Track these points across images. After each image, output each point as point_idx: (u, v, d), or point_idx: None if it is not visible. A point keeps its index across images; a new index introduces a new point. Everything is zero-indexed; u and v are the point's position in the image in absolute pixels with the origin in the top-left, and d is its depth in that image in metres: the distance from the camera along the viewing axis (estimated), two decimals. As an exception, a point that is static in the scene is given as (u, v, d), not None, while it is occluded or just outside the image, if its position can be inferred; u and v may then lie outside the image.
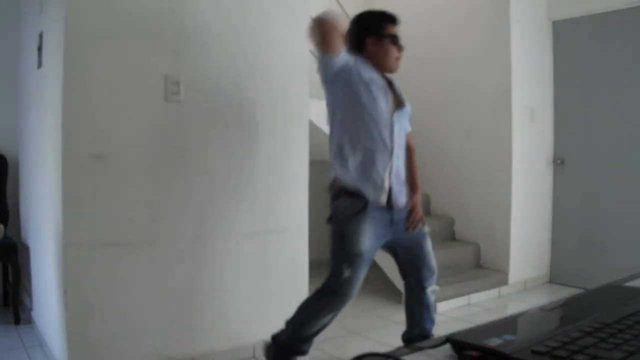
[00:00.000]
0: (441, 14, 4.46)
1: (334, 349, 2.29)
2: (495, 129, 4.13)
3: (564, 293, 2.61)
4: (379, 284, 4.00)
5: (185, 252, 2.53)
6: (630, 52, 3.87)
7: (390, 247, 2.29)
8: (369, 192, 2.08)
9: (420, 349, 0.71)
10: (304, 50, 2.89)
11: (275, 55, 2.78)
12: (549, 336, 0.66)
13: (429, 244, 2.29)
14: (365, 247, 2.08)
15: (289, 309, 2.81)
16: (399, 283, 3.70)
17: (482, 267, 4.23)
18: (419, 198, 2.30)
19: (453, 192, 4.40)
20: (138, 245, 2.40)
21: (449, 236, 4.38)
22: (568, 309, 0.85)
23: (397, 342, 2.32)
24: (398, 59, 2.21)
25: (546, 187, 4.34)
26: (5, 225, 3.30)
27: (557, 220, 4.35)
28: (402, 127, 2.20)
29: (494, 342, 0.65)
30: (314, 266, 2.98)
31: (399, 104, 2.20)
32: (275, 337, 2.25)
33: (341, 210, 2.12)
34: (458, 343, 0.68)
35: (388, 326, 3.25)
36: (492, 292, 3.97)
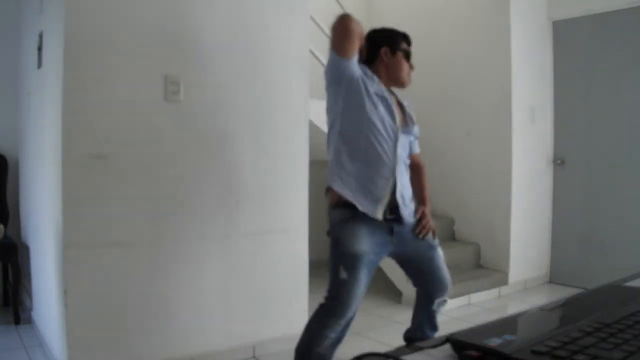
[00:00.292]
0: (441, 14, 4.46)
1: (334, 349, 2.31)
2: (495, 129, 4.13)
3: (564, 293, 2.61)
4: (378, 284, 4.00)
5: (185, 252, 2.53)
6: (630, 52, 3.87)
7: (398, 260, 2.24)
8: (365, 205, 2.01)
9: (421, 348, 0.71)
10: (304, 50, 2.90)
11: (275, 55, 2.78)
12: (549, 336, 0.66)
13: (439, 257, 2.20)
14: (361, 248, 2.00)
15: (289, 309, 2.83)
16: (399, 283, 3.71)
17: (482, 267, 4.23)
18: (428, 210, 2.24)
19: (453, 192, 4.40)
20: (138, 245, 2.40)
21: (449, 236, 4.38)
22: (568, 309, 0.85)
23: (397, 342, 2.32)
24: (409, 74, 2.20)
25: (546, 187, 4.34)
26: (5, 225, 3.30)
27: (557, 220, 4.35)
28: (406, 146, 2.14)
29: (494, 342, 0.65)
30: (314, 266, 2.98)
31: (406, 123, 2.16)
32: None
33: (335, 219, 2.07)
34: (458, 343, 0.68)
35: (388, 326, 3.25)
36: (492, 292, 3.97)
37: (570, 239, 4.26)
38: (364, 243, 2.01)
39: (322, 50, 2.82)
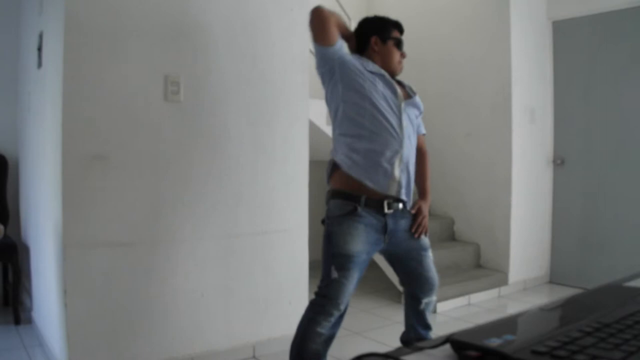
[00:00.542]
0: (441, 14, 4.46)
1: (334, 349, 2.29)
2: (495, 129, 4.13)
3: (564, 293, 2.62)
4: (379, 284, 4.01)
5: (185, 252, 2.53)
6: (630, 52, 3.88)
7: (387, 258, 2.24)
8: (376, 181, 2.00)
9: (420, 349, 0.71)
10: (304, 50, 2.90)
11: (275, 55, 2.78)
12: (549, 336, 0.66)
13: (428, 259, 2.19)
14: (353, 249, 1.99)
15: (289, 309, 2.82)
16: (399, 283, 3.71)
17: (482, 267, 4.23)
18: (427, 205, 2.23)
19: (453, 192, 4.40)
20: (138, 245, 2.40)
21: (449, 236, 4.38)
22: (568, 309, 0.85)
23: (397, 342, 2.32)
24: (400, 62, 2.21)
25: (546, 187, 4.34)
26: (5, 225, 3.30)
27: (557, 220, 4.35)
28: (413, 119, 2.13)
29: (494, 342, 0.65)
30: (314, 266, 2.98)
31: (407, 95, 2.16)
32: None
33: (332, 210, 2.06)
34: (458, 343, 0.68)
35: (388, 326, 3.25)
36: (492, 292, 3.97)
37: (570, 239, 4.26)
38: (358, 243, 2.01)
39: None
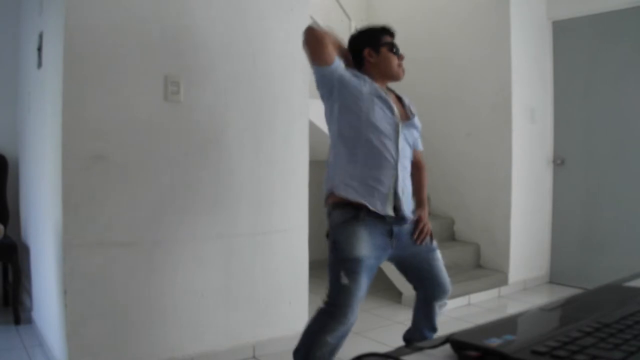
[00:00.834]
0: (441, 14, 4.46)
1: (334, 349, 2.32)
2: (495, 129, 4.13)
3: (563, 293, 2.62)
4: (379, 284, 4.00)
5: (185, 252, 2.53)
6: (630, 52, 3.88)
7: (397, 264, 2.22)
8: (374, 204, 1.99)
9: (420, 349, 0.71)
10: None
11: (275, 55, 2.78)
12: (549, 336, 0.66)
13: (438, 261, 2.18)
14: (361, 252, 1.97)
15: (289, 309, 2.83)
16: (399, 284, 3.71)
17: (482, 267, 4.23)
18: (426, 213, 2.22)
19: (453, 192, 4.40)
20: (138, 245, 2.40)
21: (449, 236, 4.38)
22: (568, 309, 0.84)
23: (397, 342, 2.32)
24: (400, 65, 2.16)
25: (546, 187, 4.34)
26: (5, 225, 3.30)
27: (557, 220, 4.35)
28: (408, 141, 2.12)
29: (494, 342, 0.65)
30: (314, 266, 2.98)
31: (406, 117, 2.14)
32: None
33: (335, 220, 2.04)
34: (458, 343, 0.68)
35: (388, 326, 3.25)
36: (492, 292, 3.97)
37: (570, 239, 4.26)
38: (365, 247, 1.99)
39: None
